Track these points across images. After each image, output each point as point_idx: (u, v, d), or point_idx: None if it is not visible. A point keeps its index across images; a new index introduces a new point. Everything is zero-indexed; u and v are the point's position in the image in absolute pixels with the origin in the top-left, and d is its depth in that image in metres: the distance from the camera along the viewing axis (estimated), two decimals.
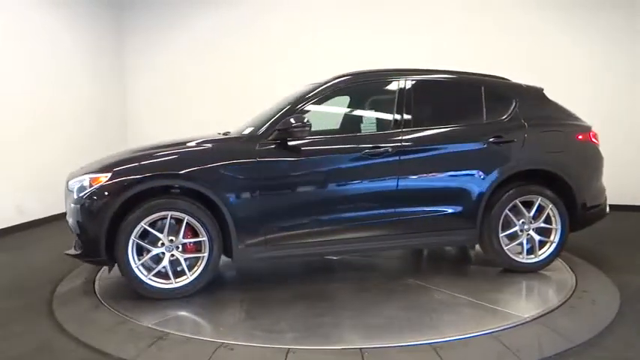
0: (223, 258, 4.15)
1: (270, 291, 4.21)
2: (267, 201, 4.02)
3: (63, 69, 7.74)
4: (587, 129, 4.65)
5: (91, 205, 3.84)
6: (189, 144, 4.20)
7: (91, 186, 3.87)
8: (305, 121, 3.99)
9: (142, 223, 3.85)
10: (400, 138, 4.24)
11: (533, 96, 4.68)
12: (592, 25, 7.44)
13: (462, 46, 7.73)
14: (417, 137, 4.29)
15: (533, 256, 4.46)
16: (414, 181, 4.26)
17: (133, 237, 3.84)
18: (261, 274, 4.78)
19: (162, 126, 8.73)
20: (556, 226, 4.46)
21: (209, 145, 4.21)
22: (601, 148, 4.70)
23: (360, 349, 3.11)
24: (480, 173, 4.32)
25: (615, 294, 4.04)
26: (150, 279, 3.91)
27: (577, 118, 4.72)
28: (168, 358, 3.12)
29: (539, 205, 4.42)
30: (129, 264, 3.86)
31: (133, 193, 3.83)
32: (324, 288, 4.27)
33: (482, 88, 4.55)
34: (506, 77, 4.79)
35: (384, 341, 3.20)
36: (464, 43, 7.76)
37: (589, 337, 3.31)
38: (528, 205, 4.43)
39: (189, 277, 3.96)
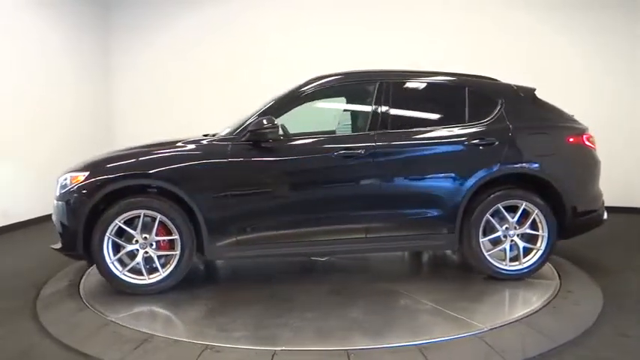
0: None
1: (239, 290, 4.29)
2: (239, 201, 4.09)
3: (49, 69, 7.66)
4: (579, 131, 4.45)
5: (69, 202, 4.03)
6: (164, 145, 4.29)
7: (71, 184, 4.06)
8: (274, 122, 4.03)
9: (117, 221, 3.98)
10: (374, 140, 4.18)
11: (523, 97, 4.52)
12: (592, 27, 7.49)
13: (459, 46, 7.75)
14: (391, 139, 4.22)
15: (517, 263, 4.30)
16: (387, 183, 4.21)
17: (108, 234, 3.98)
18: (236, 272, 4.87)
19: (148, 126, 8.60)
20: (543, 232, 4.29)
21: (183, 145, 4.26)
22: (605, 150, 4.60)
23: (347, 350, 3.12)
24: (458, 176, 4.21)
25: (598, 295, 4.09)
26: (124, 274, 4.04)
27: (572, 120, 4.55)
28: None
29: (525, 211, 4.27)
30: (104, 259, 4.00)
31: (107, 191, 3.98)
32: (296, 289, 4.27)
33: (466, 89, 4.44)
34: (495, 78, 4.66)
35: (332, 345, 3.19)
36: (461, 43, 7.78)
37: (572, 337, 3.34)
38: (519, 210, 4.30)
39: (162, 274, 4.07)
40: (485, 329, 3.38)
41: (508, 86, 4.56)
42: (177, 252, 4.06)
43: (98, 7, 8.82)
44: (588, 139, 4.46)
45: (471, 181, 4.20)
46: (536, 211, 4.26)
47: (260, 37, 8.53)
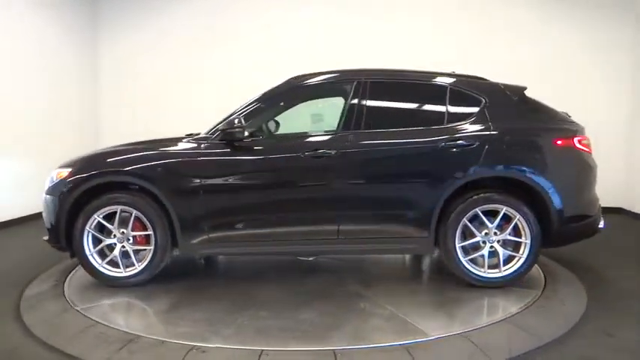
0: None
1: (209, 286, 4.38)
2: (209, 199, 4.16)
3: (34, 67, 7.55)
4: (569, 133, 4.20)
5: (54, 197, 4.24)
6: (143, 143, 4.42)
7: (56, 179, 4.28)
8: (242, 123, 4.10)
9: (96, 215, 4.16)
10: (347, 140, 4.13)
11: (509, 96, 4.32)
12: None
13: (465, 46, 7.84)
14: (363, 140, 4.17)
15: (497, 270, 4.14)
16: (358, 184, 4.17)
17: (87, 227, 4.17)
18: (216, 268, 5.06)
19: (136, 125, 8.58)
20: (525, 239, 4.12)
21: (160, 144, 4.38)
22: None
23: (334, 350, 3.12)
24: (432, 179, 4.12)
25: (583, 294, 4.14)
26: (102, 266, 4.22)
27: (563, 122, 4.33)
28: None
29: (507, 216, 4.09)
30: (84, 251, 4.20)
31: (86, 187, 4.17)
32: (266, 287, 4.31)
33: (448, 88, 4.31)
34: (484, 77, 4.51)
35: (274, 345, 3.21)
36: (472, 43, 7.86)
37: (557, 335, 3.38)
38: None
39: (137, 268, 4.22)
40: (433, 337, 3.30)
41: (494, 85, 4.40)
42: (152, 247, 4.18)
43: (86, 3, 8.73)
44: (580, 142, 4.21)
45: (445, 184, 4.08)
46: (517, 217, 4.08)
47: (252, 35, 8.49)
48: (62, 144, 7.86)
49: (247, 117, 4.21)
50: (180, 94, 8.71)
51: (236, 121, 4.10)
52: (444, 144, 4.10)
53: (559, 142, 4.17)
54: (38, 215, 7.17)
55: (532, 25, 7.78)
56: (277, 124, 4.70)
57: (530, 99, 4.41)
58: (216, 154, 4.19)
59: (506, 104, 4.30)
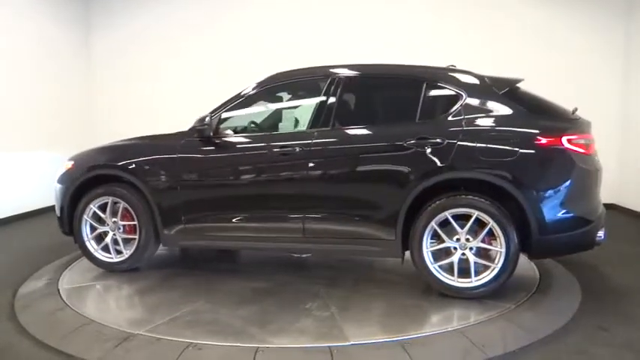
0: None
1: (171, 277, 4.53)
2: (185, 193, 4.35)
3: (26, 63, 7.50)
4: (557, 132, 3.72)
5: (61, 185, 4.67)
6: (136, 139, 4.72)
7: (64, 171, 4.71)
8: (209, 120, 4.21)
9: (91, 205, 4.54)
10: (313, 138, 4.07)
11: (494, 91, 3.95)
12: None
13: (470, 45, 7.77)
14: (327, 137, 4.08)
15: (469, 279, 3.81)
16: (320, 183, 4.07)
17: (85, 216, 4.56)
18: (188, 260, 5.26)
19: (132, 122, 8.41)
20: (500, 247, 3.74)
21: (147, 141, 4.66)
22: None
23: (329, 347, 3.13)
24: (397, 179, 3.88)
25: (577, 289, 4.15)
26: (98, 252, 4.60)
27: (559, 119, 3.89)
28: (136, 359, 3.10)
29: (482, 222, 3.75)
30: (82, 238, 4.59)
31: (83, 179, 4.56)
32: (227, 281, 4.39)
33: (424, 83, 4.03)
34: (470, 70, 4.19)
35: (199, 339, 3.27)
36: (481, 41, 7.81)
37: (552, 331, 3.39)
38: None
39: (125, 255, 4.55)
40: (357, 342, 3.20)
41: (477, 79, 4.06)
42: (137, 236, 4.47)
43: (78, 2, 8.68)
44: (571, 141, 3.71)
45: (412, 185, 3.84)
46: (491, 223, 3.73)
47: (248, 31, 8.39)
48: (53, 138, 7.83)
49: (217, 114, 4.34)
50: (175, 82, 8.61)
51: (207, 119, 4.22)
52: (410, 142, 3.86)
53: (542, 142, 3.70)
54: (30, 214, 7.19)
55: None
56: (255, 122, 4.76)
57: (522, 93, 4.06)
58: (191, 151, 4.34)
59: (488, 99, 3.95)
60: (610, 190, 7.34)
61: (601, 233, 3.85)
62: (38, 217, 7.24)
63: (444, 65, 4.41)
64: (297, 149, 4.06)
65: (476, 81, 4.05)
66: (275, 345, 3.19)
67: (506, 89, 3.99)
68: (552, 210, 3.70)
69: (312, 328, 3.45)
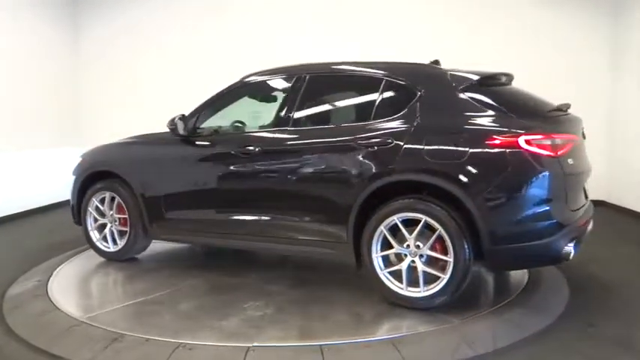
0: None
1: (148, 272, 4.69)
2: (165, 190, 4.63)
3: (13, 56, 7.40)
4: (514, 131, 3.33)
5: (73, 179, 5.06)
6: (130, 139, 5.02)
7: (77, 165, 5.10)
8: (176, 120, 4.42)
9: (93, 199, 4.90)
10: (269, 137, 4.18)
11: (454, 86, 3.66)
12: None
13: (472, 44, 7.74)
14: (284, 137, 4.12)
15: (418, 289, 3.55)
16: (276, 183, 4.09)
17: (89, 208, 4.94)
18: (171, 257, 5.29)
19: (122, 119, 8.38)
20: (449, 257, 3.45)
21: (137, 140, 4.96)
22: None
23: (320, 345, 3.13)
24: (346, 181, 3.76)
25: (565, 286, 4.18)
26: (99, 242, 4.96)
27: (529, 118, 3.51)
28: None
29: (433, 228, 3.47)
30: (87, 228, 5.00)
31: (87, 174, 4.96)
32: (199, 276, 4.50)
33: (384, 80, 3.87)
34: (438, 65, 4.03)
35: (129, 331, 3.36)
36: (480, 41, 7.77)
37: (541, 327, 3.42)
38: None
39: (119, 246, 4.87)
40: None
41: (437, 74, 3.85)
42: (128, 229, 4.77)
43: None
44: (531, 142, 3.29)
45: (360, 188, 3.68)
46: (439, 230, 3.45)
47: (242, 27, 8.30)
48: (40, 139, 7.77)
49: (192, 114, 4.49)
50: (162, 75, 8.53)
51: (175, 119, 4.42)
52: (360, 142, 3.74)
53: (495, 142, 3.35)
54: (18, 215, 7.13)
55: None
56: (231, 122, 4.92)
57: (491, 89, 3.75)
58: (168, 150, 4.66)
59: (446, 96, 3.69)
60: (598, 186, 7.42)
61: (570, 246, 3.39)
62: (27, 219, 7.18)
63: (427, 61, 4.17)
64: (256, 149, 4.12)
65: (435, 76, 3.83)
66: (203, 342, 3.20)
67: (466, 84, 3.66)
68: (505, 218, 3.37)
69: (232, 327, 3.44)
